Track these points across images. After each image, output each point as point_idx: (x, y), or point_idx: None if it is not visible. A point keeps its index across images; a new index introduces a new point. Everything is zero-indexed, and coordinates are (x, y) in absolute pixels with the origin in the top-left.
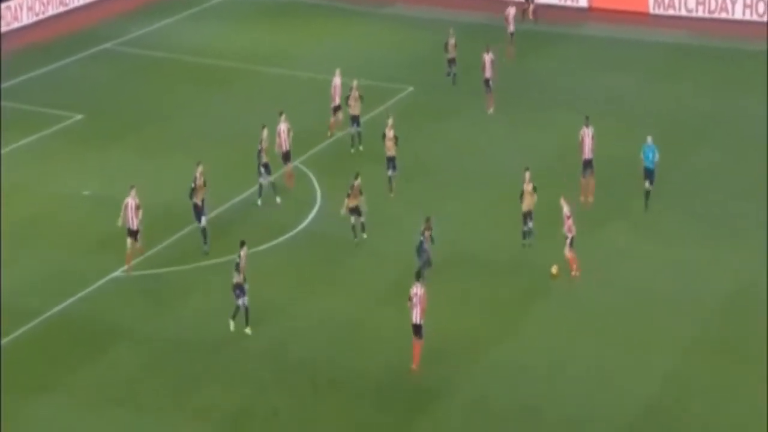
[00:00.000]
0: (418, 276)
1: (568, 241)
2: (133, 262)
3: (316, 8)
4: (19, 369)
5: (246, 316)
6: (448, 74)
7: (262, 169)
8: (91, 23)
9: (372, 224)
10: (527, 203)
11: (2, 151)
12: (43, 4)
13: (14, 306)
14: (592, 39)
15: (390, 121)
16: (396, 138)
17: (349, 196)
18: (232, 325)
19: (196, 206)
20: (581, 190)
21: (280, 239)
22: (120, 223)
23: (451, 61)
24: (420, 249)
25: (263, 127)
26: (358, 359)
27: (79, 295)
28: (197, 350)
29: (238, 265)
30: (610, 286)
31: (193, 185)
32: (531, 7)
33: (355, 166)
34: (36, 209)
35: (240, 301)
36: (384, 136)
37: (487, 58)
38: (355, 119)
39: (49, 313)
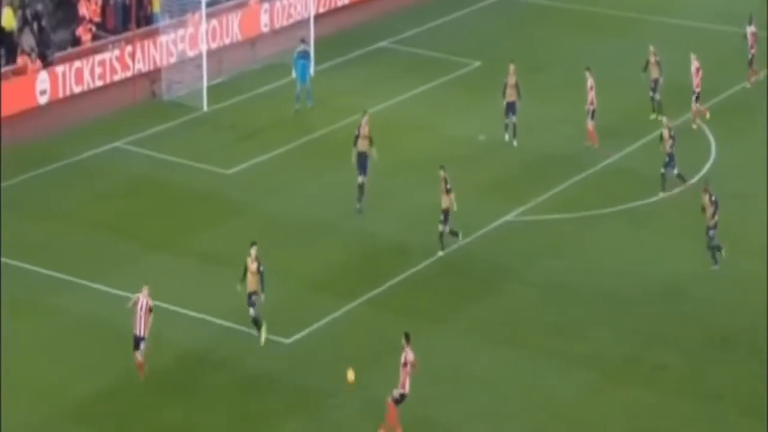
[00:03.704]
0: (408, 337)
1: None
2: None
3: None
4: (418, 300)
5: (257, 324)
6: None
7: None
8: None
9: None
10: None
11: (409, 94)
12: None
13: (410, 243)
14: None
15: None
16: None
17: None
18: (263, 334)
19: (360, 155)
20: None
21: (670, 193)
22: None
23: None
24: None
25: (510, 62)
26: (752, 315)
27: (475, 235)
28: (582, 296)
29: (243, 273)
30: None
31: (357, 132)
32: None
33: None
34: (434, 150)
35: (254, 307)
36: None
37: (749, 30)
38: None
39: (444, 252)
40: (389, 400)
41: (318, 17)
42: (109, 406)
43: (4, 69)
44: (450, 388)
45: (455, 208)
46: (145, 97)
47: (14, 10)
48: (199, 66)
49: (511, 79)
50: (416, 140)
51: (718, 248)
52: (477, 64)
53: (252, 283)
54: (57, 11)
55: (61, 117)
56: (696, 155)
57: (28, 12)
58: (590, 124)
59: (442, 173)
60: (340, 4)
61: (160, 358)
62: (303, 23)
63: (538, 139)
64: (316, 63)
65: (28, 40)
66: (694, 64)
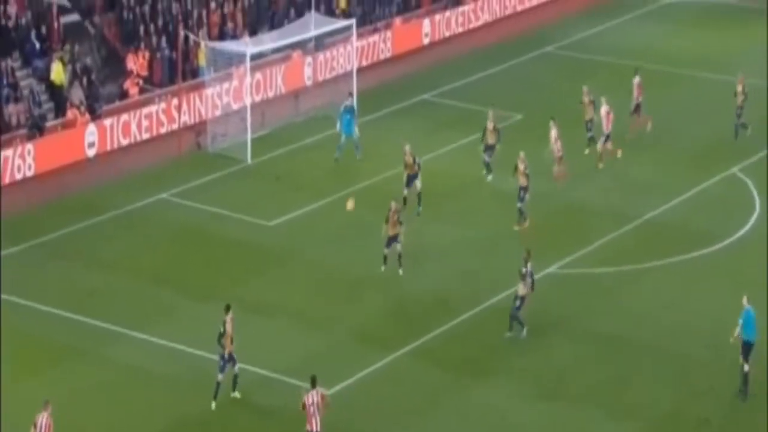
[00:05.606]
0: (314, 382)
1: None
2: None
3: (757, 12)
4: (460, 352)
5: (234, 381)
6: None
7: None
8: (534, 26)
9: None
10: None
11: (450, 146)
12: (502, 5)
13: (453, 293)
14: None
15: None
16: None
17: (387, 222)
18: (213, 405)
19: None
20: None
21: (715, 247)
22: None
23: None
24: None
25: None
26: None
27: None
28: (629, 348)
29: (222, 334)
30: None
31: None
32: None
33: None
34: (476, 202)
35: (224, 373)
36: None
37: (635, 81)
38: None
39: (486, 304)
40: None
41: (360, 70)
42: None
43: (54, 122)
44: None
45: (402, 233)
46: (190, 150)
47: (64, 65)
48: (244, 119)
49: (490, 124)
50: (458, 192)
51: (520, 324)
52: (519, 117)
53: (229, 345)
54: (105, 66)
55: (108, 169)
56: (741, 209)
57: (78, 66)
58: (557, 169)
59: (394, 205)
60: (382, 57)
61: (202, 406)
62: (346, 76)
63: (580, 190)
64: (359, 115)
65: (77, 94)
66: (604, 107)
